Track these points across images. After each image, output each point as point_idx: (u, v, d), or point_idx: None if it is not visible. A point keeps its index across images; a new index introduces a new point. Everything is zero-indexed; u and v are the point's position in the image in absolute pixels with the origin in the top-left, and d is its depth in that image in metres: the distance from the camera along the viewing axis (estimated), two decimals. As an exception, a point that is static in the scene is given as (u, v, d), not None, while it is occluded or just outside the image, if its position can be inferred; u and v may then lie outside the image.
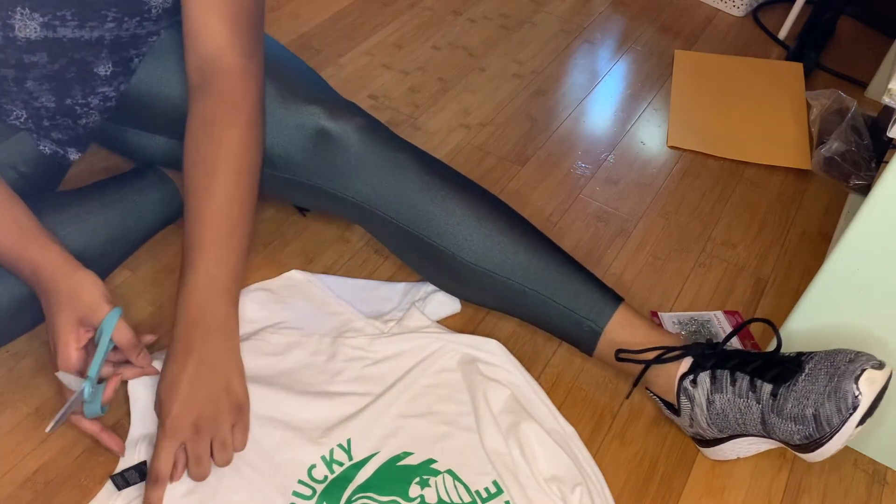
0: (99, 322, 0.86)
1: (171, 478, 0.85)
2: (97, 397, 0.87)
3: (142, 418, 0.93)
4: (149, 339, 0.96)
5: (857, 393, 0.86)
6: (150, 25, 0.94)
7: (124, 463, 0.90)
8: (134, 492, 0.88)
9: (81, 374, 0.87)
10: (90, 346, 0.88)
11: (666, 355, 0.96)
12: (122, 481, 0.88)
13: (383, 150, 1.01)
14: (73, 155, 1.03)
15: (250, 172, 0.92)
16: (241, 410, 0.88)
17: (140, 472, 0.88)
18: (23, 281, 0.90)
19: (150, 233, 1.11)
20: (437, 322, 1.11)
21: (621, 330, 1.00)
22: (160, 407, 0.85)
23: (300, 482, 0.91)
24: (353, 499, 0.91)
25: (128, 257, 1.11)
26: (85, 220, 1.01)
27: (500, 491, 0.93)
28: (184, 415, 0.84)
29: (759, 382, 0.91)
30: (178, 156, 1.04)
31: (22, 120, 0.96)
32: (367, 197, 1.02)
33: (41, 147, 1.00)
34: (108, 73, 0.97)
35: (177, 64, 0.99)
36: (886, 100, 0.93)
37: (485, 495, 0.93)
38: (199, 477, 0.86)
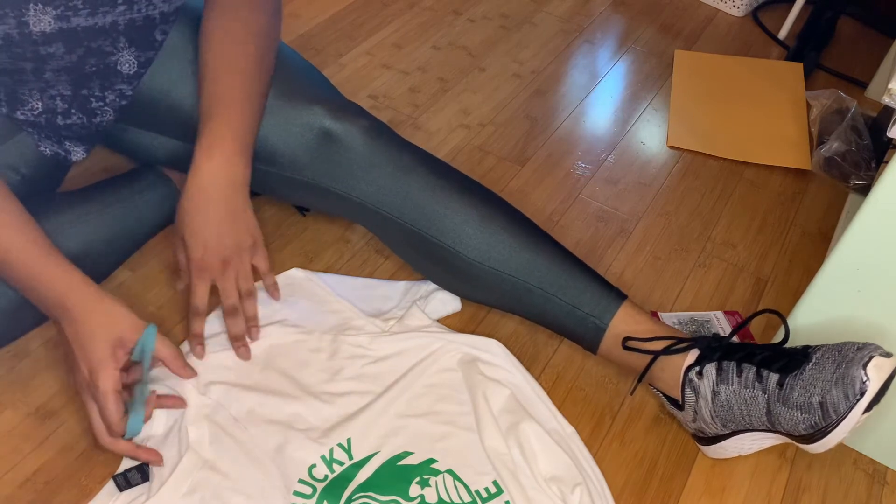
0: (135, 341, 0.88)
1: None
2: (141, 413, 0.88)
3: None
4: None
5: (864, 379, 0.86)
6: (160, 4, 0.94)
7: (126, 463, 0.90)
8: (135, 493, 0.88)
9: (118, 393, 0.87)
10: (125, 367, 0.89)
11: (674, 346, 0.96)
12: (124, 482, 0.88)
13: (387, 151, 1.02)
14: (76, 156, 1.03)
15: (271, 53, 1.00)
16: (257, 245, 0.99)
17: (142, 473, 0.88)
18: (37, 302, 0.89)
19: (150, 233, 1.11)
20: (438, 321, 1.11)
21: (626, 326, 1.00)
22: (188, 251, 0.96)
23: (301, 481, 0.91)
24: (354, 498, 0.91)
25: (128, 257, 1.11)
26: (85, 220, 1.01)
27: (500, 491, 0.93)
28: (212, 256, 0.95)
29: (765, 373, 0.91)
30: (181, 156, 1.04)
31: (36, 113, 0.96)
32: (372, 197, 1.02)
33: (42, 148, 0.99)
34: (132, 73, 0.98)
35: (184, 66, 1.00)
36: (886, 100, 0.93)
37: (485, 495, 0.93)
38: (232, 308, 0.98)
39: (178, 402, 0.94)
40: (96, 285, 0.89)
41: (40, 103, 0.96)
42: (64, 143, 1.01)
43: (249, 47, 0.97)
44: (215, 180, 0.94)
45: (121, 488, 0.88)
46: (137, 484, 0.88)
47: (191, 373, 0.95)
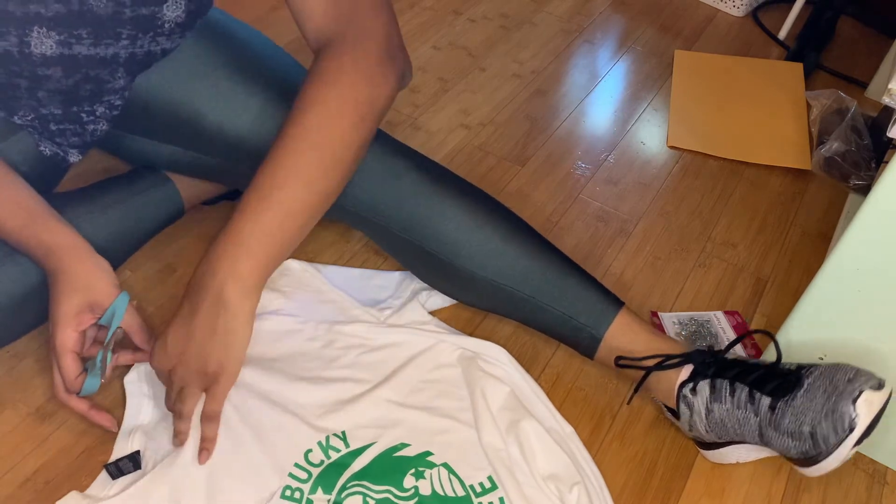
0: (106, 308, 0.89)
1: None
2: (98, 375, 0.89)
3: (136, 409, 0.94)
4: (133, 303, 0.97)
5: (854, 415, 0.85)
6: (163, 41, 0.95)
7: (118, 451, 0.90)
8: (127, 480, 0.88)
9: (78, 354, 0.89)
10: (89, 331, 0.91)
11: (666, 363, 0.96)
12: (116, 471, 0.88)
13: (380, 158, 1.01)
14: (74, 157, 1.03)
15: (368, 121, 0.89)
16: (216, 380, 0.85)
17: (134, 462, 0.88)
18: (33, 261, 0.91)
19: (150, 233, 1.11)
20: (438, 310, 1.11)
21: (621, 336, 1.00)
22: (155, 344, 0.87)
23: (296, 465, 0.91)
24: (348, 486, 0.91)
25: (128, 258, 1.11)
26: (85, 220, 1.00)
27: (494, 486, 0.93)
28: (162, 363, 0.87)
29: (757, 395, 0.91)
30: (180, 162, 1.05)
31: (29, 119, 0.97)
32: (366, 205, 1.02)
33: (41, 147, 0.99)
34: (120, 87, 0.98)
35: (179, 73, 0.99)
36: (886, 100, 0.93)
37: (479, 490, 0.93)
38: (177, 414, 0.88)
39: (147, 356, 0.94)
40: (84, 246, 0.90)
41: (32, 112, 0.96)
42: (61, 146, 1.01)
43: (345, 120, 0.87)
44: (216, 295, 0.83)
45: (113, 477, 0.88)
46: (129, 472, 0.88)
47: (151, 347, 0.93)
